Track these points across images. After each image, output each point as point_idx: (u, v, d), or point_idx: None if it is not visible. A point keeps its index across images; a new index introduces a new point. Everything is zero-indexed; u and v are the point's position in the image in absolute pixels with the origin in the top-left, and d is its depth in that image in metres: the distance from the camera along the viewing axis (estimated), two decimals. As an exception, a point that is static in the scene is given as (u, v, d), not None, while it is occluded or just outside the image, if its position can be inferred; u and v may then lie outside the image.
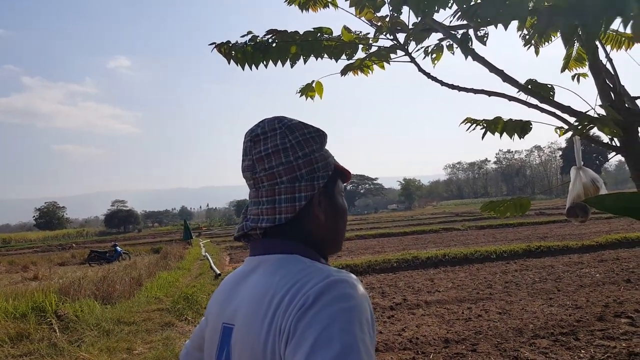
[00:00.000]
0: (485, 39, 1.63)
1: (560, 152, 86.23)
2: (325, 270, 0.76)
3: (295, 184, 0.84)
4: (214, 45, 1.83)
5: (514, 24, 1.56)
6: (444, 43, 1.96)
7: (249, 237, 0.89)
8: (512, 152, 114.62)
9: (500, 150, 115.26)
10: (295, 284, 0.74)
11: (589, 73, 1.73)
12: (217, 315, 0.89)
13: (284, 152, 0.85)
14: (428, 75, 1.83)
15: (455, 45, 1.89)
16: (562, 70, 2.26)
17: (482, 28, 1.65)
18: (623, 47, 2.05)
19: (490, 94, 1.72)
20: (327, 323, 0.66)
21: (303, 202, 0.84)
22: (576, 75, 2.24)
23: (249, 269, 0.88)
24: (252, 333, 0.75)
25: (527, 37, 2.14)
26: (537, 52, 2.24)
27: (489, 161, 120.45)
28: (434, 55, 2.00)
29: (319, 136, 0.90)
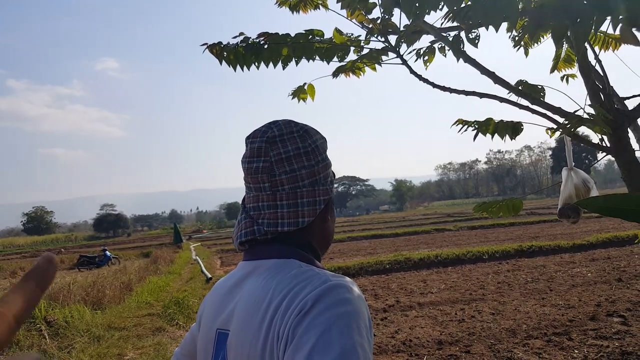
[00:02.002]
0: (476, 41, 1.64)
1: (550, 152, 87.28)
2: (322, 274, 0.76)
3: (315, 188, 0.85)
4: (205, 46, 1.81)
5: (504, 25, 1.58)
6: (436, 45, 1.96)
7: (251, 242, 0.87)
8: (503, 152, 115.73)
9: (490, 150, 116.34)
10: (293, 289, 0.74)
11: (578, 74, 1.74)
12: (210, 321, 0.88)
13: (306, 156, 0.85)
14: (419, 77, 1.83)
15: (447, 48, 1.90)
16: (552, 71, 2.28)
17: (473, 30, 1.66)
18: (610, 48, 2.07)
19: (481, 95, 1.73)
20: (325, 327, 0.66)
21: (322, 206, 0.86)
22: (565, 76, 2.26)
23: (243, 273, 0.87)
24: (248, 338, 0.75)
25: (517, 38, 2.15)
26: (526, 53, 2.26)
27: (480, 161, 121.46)
28: (426, 58, 2.01)
29: (325, 142, 0.92)
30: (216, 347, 0.84)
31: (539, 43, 2.16)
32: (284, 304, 0.72)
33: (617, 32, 1.47)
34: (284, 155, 0.83)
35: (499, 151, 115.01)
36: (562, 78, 2.25)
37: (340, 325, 0.66)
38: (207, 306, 0.92)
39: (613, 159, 1.58)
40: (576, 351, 4.44)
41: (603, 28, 1.50)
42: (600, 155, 1.68)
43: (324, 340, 0.64)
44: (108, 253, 19.01)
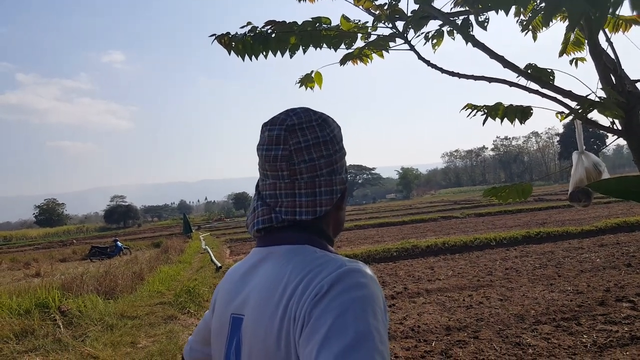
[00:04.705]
0: (486, 24, 1.63)
1: (558, 138, 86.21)
2: (338, 259, 0.77)
3: (332, 177, 0.86)
4: (214, 37, 1.81)
5: (511, 10, 1.55)
6: (445, 28, 1.95)
7: (268, 229, 0.88)
8: (510, 138, 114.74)
9: (497, 137, 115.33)
10: (309, 273, 0.75)
11: (588, 57, 1.72)
12: (224, 306, 0.89)
13: (325, 145, 0.86)
14: (428, 62, 1.82)
15: (455, 31, 1.89)
16: (560, 54, 2.25)
17: (482, 13, 1.64)
18: (621, 29, 2.04)
19: (490, 80, 1.72)
20: (341, 311, 0.67)
21: (339, 195, 0.87)
22: (574, 60, 2.23)
23: (257, 259, 0.88)
24: (264, 322, 0.76)
25: (525, 22, 2.13)
26: (534, 37, 2.23)
27: (487, 148, 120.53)
28: (435, 41, 1.99)
29: (341, 130, 0.93)
30: (230, 331, 0.85)
31: (547, 27, 2.13)
32: (300, 287, 0.73)
33: (635, 13, 1.45)
34: (304, 144, 0.84)
35: (505, 138, 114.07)
36: (571, 62, 2.23)
37: (355, 309, 0.67)
38: (221, 292, 0.93)
39: (621, 144, 1.57)
40: (585, 336, 4.45)
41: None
42: (609, 139, 1.67)
43: (340, 323, 0.65)
44: (119, 243, 19.26)
